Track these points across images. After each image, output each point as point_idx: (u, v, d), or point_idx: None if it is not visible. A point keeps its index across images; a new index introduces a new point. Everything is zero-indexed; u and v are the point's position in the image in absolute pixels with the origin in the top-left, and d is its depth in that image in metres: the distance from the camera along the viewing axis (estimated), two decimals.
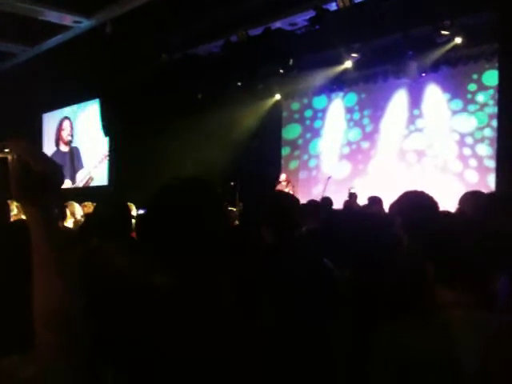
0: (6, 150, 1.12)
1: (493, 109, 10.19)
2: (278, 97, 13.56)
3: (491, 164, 10.06)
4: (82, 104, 16.14)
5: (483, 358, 1.59)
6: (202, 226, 1.47)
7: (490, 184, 9.98)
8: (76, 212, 7.16)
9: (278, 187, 11.51)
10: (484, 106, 10.57)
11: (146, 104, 12.74)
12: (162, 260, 1.47)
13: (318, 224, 5.01)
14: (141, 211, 6.19)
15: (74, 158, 16.63)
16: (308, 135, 13.61)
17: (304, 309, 2.48)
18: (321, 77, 11.72)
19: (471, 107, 10.80)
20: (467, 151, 10.80)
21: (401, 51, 10.05)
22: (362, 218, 3.16)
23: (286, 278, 2.58)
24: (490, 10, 8.15)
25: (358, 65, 10.90)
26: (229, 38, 11.36)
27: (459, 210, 3.31)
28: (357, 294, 2.50)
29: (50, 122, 17.64)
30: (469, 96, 10.83)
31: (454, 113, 11.04)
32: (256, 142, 12.75)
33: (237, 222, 7.83)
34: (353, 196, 9.48)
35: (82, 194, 12.49)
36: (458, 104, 10.99)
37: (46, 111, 17.55)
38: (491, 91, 10.31)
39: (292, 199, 3.19)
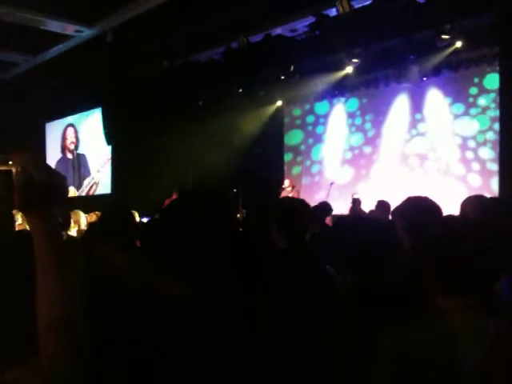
0: (10, 163, 1.14)
1: (495, 112, 10.18)
2: (279, 103, 13.58)
3: (494, 167, 10.05)
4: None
5: (484, 361, 1.59)
6: (213, 236, 1.48)
7: (493, 187, 9.97)
8: (80, 221, 7.17)
9: (283, 193, 11.51)
10: (486, 109, 10.57)
11: (147, 111, 12.78)
12: (173, 270, 1.47)
13: (318, 229, 5.02)
14: (144, 219, 6.21)
15: (80, 165, 16.70)
16: (310, 141, 13.62)
17: (308, 312, 2.49)
18: (322, 82, 11.74)
19: (473, 111, 10.80)
20: (470, 155, 10.79)
21: (402, 56, 10.07)
22: (362, 224, 3.16)
23: (295, 280, 2.59)
24: (490, 11, 8.16)
25: (359, 70, 10.91)
26: (229, 45, 11.39)
27: (461, 213, 3.31)
28: (358, 298, 2.50)
29: (53, 130, 17.71)
30: (470, 100, 10.83)
31: (456, 117, 11.04)
32: (259, 149, 12.76)
33: (240, 229, 7.82)
34: (356, 202, 9.47)
35: (86, 202, 12.51)
36: (459, 108, 10.99)
37: (48, 120, 17.61)
38: (493, 94, 10.31)
39: (302, 203, 3.20)
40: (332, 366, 2.43)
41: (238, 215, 10.05)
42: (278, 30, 10.92)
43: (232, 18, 10.24)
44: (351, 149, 12.75)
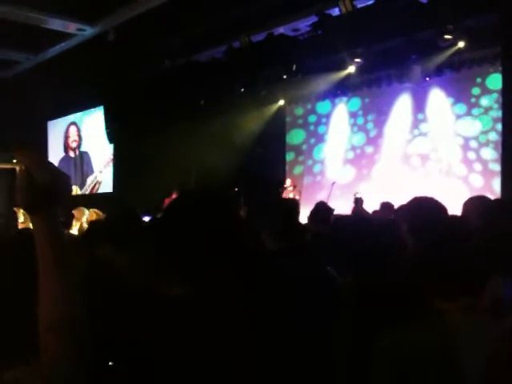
0: (14, 161, 1.15)
1: (497, 112, 10.17)
2: (281, 102, 13.58)
3: (496, 168, 10.04)
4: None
5: (488, 363, 1.58)
6: (215, 236, 1.48)
7: (495, 188, 9.96)
8: (83, 218, 7.18)
9: (284, 193, 11.51)
10: (488, 109, 10.56)
11: (149, 111, 12.79)
12: (175, 270, 1.47)
13: (321, 229, 5.00)
14: (145, 218, 6.20)
15: (83, 163, 16.73)
16: (312, 140, 13.62)
17: (307, 312, 2.49)
18: (324, 82, 11.73)
19: (475, 111, 10.79)
20: (472, 155, 10.78)
21: (404, 56, 10.05)
22: (363, 224, 3.16)
23: (295, 280, 2.59)
24: (493, 12, 8.14)
25: (361, 69, 10.90)
26: (231, 44, 11.39)
27: (463, 214, 3.30)
28: (358, 298, 2.49)
29: (55, 128, 17.74)
30: (473, 100, 10.82)
31: (458, 117, 11.04)
32: (260, 148, 12.76)
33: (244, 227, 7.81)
34: (359, 201, 9.46)
35: (89, 200, 12.52)
36: (462, 108, 10.98)
37: (50, 119, 17.63)
38: (495, 95, 10.30)
39: (292, 204, 3.19)
40: (332, 366, 2.43)
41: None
42: (281, 30, 10.93)
43: (234, 17, 10.23)
44: (353, 148, 12.75)
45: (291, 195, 11.44)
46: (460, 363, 1.63)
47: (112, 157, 15.41)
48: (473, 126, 10.79)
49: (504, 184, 8.56)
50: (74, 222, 7.15)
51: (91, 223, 3.94)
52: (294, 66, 11.08)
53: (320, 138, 13.43)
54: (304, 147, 13.76)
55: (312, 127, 13.64)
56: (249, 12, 10.02)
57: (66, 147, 17.39)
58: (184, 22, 10.45)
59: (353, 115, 12.81)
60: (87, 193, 16.40)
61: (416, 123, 11.67)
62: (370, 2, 9.29)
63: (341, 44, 9.80)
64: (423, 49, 9.76)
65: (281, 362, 1.54)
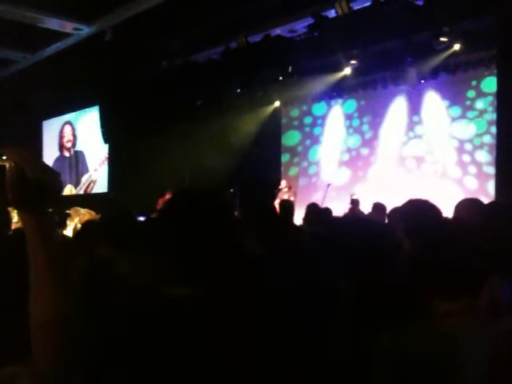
0: (4, 158, 1.13)
1: (492, 115, 10.20)
2: (277, 103, 13.57)
3: (491, 170, 10.07)
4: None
5: (488, 363, 1.59)
6: (211, 236, 1.48)
7: (489, 190, 9.99)
8: (78, 218, 7.16)
9: (280, 194, 11.51)
10: (483, 112, 10.58)
11: (145, 111, 12.78)
12: (172, 271, 1.47)
13: (316, 230, 5.01)
14: (140, 218, 6.19)
15: (78, 162, 16.70)
16: (307, 142, 13.63)
17: (305, 313, 2.49)
18: (320, 83, 11.73)
19: (470, 114, 10.82)
20: (466, 158, 10.81)
21: (400, 58, 10.08)
22: (361, 224, 3.16)
23: (293, 281, 2.60)
24: (489, 14, 8.17)
25: (357, 71, 10.91)
26: (228, 45, 11.39)
27: (455, 216, 3.32)
28: (358, 299, 2.50)
29: (50, 127, 17.70)
30: (468, 103, 10.85)
31: (453, 119, 11.06)
32: (256, 149, 12.76)
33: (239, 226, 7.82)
34: (355, 202, 9.48)
35: (84, 200, 12.50)
36: (457, 111, 11.01)
37: (46, 118, 17.59)
38: (490, 98, 10.33)
39: (275, 210, 3.20)
40: (332, 366, 2.43)
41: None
42: (277, 31, 10.94)
43: (231, 18, 10.24)
44: (348, 150, 12.76)
45: (286, 196, 11.44)
46: (460, 363, 1.64)
47: (107, 155, 15.39)
48: (468, 129, 10.82)
49: (498, 186, 8.60)
50: (68, 222, 7.12)
51: (85, 223, 3.92)
52: (290, 68, 11.09)
53: (315, 140, 13.44)
54: (299, 149, 13.76)
55: (307, 129, 13.65)
56: (246, 13, 10.03)
57: (61, 147, 17.35)
58: (181, 22, 10.45)
59: (348, 117, 12.82)
60: (82, 192, 16.38)
61: (411, 125, 11.69)
62: (367, 4, 9.31)
63: (337, 46, 9.82)
64: (419, 51, 9.78)
65: (281, 363, 1.55)
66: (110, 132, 14.28)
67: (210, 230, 1.48)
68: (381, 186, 11.46)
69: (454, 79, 10.75)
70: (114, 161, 15.10)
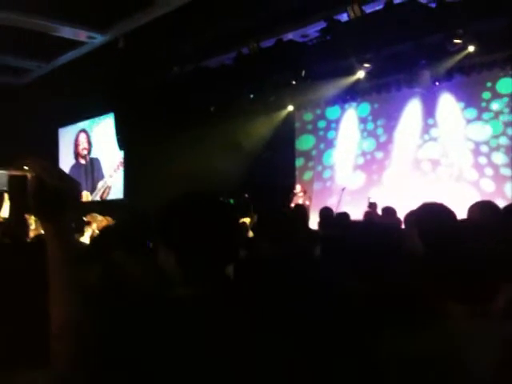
0: (26, 168, 1.18)
1: (508, 117, 10.13)
2: (290, 108, 13.58)
3: (507, 172, 9.99)
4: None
5: (497, 366, 1.58)
6: (217, 239, 1.51)
7: (506, 193, 9.91)
8: (96, 225, 7.23)
9: (295, 199, 11.51)
10: (499, 113, 10.50)
11: (159, 117, 12.85)
12: (183, 272, 1.49)
13: (331, 233, 5.01)
14: None
15: (93, 169, 16.87)
16: (322, 146, 13.61)
17: (309, 315, 2.50)
18: (333, 87, 11.72)
19: (486, 115, 10.73)
20: (483, 160, 10.72)
21: (413, 60, 10.03)
22: (373, 228, 3.16)
23: (285, 285, 2.62)
24: (502, 16, 8.12)
25: (370, 75, 10.90)
26: (241, 50, 11.43)
27: (469, 219, 3.30)
28: (367, 302, 2.50)
29: (66, 135, 17.90)
30: (483, 104, 10.77)
31: (469, 121, 10.98)
32: (270, 154, 12.77)
33: (251, 234, 7.83)
34: (373, 205, 9.45)
35: (100, 207, 12.58)
36: (472, 112, 10.93)
37: (61, 126, 17.78)
38: (506, 99, 10.25)
39: (285, 212, 3.27)
40: (335, 367, 2.43)
41: (249, 220, 10.05)
42: (290, 36, 10.95)
43: (243, 23, 10.27)
44: (363, 154, 12.72)
45: (301, 201, 11.44)
46: (469, 366, 1.63)
47: (122, 161, 15.53)
48: (483, 131, 10.73)
49: None
50: (86, 229, 7.18)
51: (103, 229, 3.98)
52: (303, 72, 11.10)
53: (330, 144, 13.42)
54: (314, 153, 13.74)
55: (321, 132, 13.63)
56: (258, 18, 10.05)
57: (77, 154, 17.54)
58: (193, 28, 10.50)
59: (362, 120, 12.79)
60: (98, 198, 16.54)
61: (426, 128, 11.63)
62: (379, 7, 9.29)
63: (349, 49, 9.80)
64: (433, 53, 9.74)
65: (281, 364, 1.55)
66: (124, 138, 14.40)
67: (210, 232, 1.52)
68: (396, 189, 11.40)
69: (468, 81, 10.69)
70: (129, 167, 15.22)
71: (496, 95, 10.55)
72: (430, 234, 2.49)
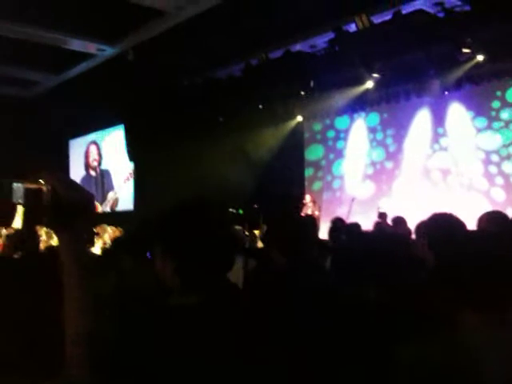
0: (41, 181, 1.20)
1: None
2: (299, 118, 13.61)
3: None
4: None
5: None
6: (213, 246, 1.53)
7: None
8: (105, 235, 7.27)
9: (304, 209, 11.49)
10: (509, 122, 10.46)
11: (168, 128, 12.92)
12: (181, 281, 1.51)
13: (340, 243, 5.01)
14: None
15: (104, 181, 16.98)
16: (331, 156, 13.60)
17: (314, 324, 2.49)
18: (342, 97, 11.74)
19: (496, 124, 10.69)
20: (493, 169, 10.67)
21: (422, 70, 10.04)
22: (383, 238, 3.16)
23: (289, 295, 2.62)
24: (511, 24, 8.10)
25: (379, 84, 10.91)
26: (249, 61, 11.48)
27: (479, 228, 3.29)
28: (380, 312, 2.49)
29: (76, 147, 18.05)
30: (493, 113, 10.73)
31: (479, 130, 10.94)
32: (279, 164, 12.78)
33: (260, 244, 7.83)
34: (383, 215, 9.42)
35: (111, 218, 12.64)
36: (482, 122, 10.89)
37: (72, 138, 17.93)
38: None
39: (300, 222, 3.28)
40: (347, 377, 2.42)
41: (258, 231, 10.05)
42: (298, 46, 10.99)
43: (251, 34, 10.32)
44: (372, 164, 12.70)
45: (311, 211, 11.43)
46: (486, 376, 1.61)
47: (132, 172, 15.62)
48: (493, 140, 10.69)
49: None
50: (95, 240, 7.22)
51: (114, 239, 4.03)
52: (312, 82, 11.13)
53: (339, 154, 13.41)
54: (323, 163, 13.74)
55: (330, 142, 13.63)
56: (266, 30, 10.11)
57: (87, 166, 17.67)
58: (202, 40, 10.57)
59: (372, 130, 12.78)
60: (108, 209, 16.62)
61: (436, 137, 11.59)
62: (387, 18, 9.31)
63: (358, 59, 9.83)
64: (442, 63, 9.74)
65: (287, 372, 1.55)
66: (134, 150, 14.48)
67: (206, 240, 1.53)
68: (406, 199, 11.36)
69: (478, 90, 10.67)
70: (138, 178, 15.30)
71: (506, 104, 10.52)
72: (440, 244, 2.48)
